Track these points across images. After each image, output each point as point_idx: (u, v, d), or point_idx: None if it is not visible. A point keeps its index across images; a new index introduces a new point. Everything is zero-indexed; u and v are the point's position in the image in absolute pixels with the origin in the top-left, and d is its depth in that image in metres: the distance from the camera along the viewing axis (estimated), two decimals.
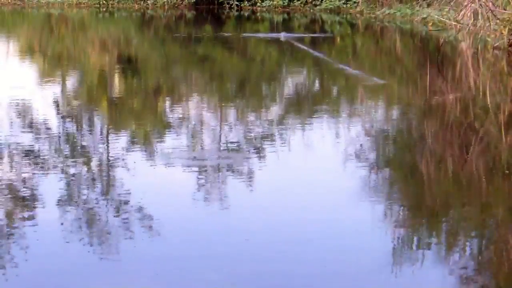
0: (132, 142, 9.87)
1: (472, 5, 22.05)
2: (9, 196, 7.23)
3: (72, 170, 8.23)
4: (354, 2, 38.07)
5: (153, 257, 5.78)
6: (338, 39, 27.14)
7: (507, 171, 8.52)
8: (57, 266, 5.62)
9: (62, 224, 6.46)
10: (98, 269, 5.57)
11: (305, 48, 22.88)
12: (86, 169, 8.32)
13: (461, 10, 23.20)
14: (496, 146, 10.04)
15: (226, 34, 27.36)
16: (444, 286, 5.41)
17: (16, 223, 6.47)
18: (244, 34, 27.05)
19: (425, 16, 29.50)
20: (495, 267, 5.81)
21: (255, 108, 13.04)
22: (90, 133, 10.45)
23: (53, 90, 14.39)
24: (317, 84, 16.84)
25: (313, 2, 39.22)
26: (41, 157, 8.78)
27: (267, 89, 15.77)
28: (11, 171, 8.17)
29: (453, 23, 23.74)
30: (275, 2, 39.47)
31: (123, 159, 8.79)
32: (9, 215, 6.66)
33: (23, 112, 11.58)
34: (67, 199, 7.19)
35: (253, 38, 25.88)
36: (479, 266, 5.83)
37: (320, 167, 8.85)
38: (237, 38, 26.13)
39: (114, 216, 6.72)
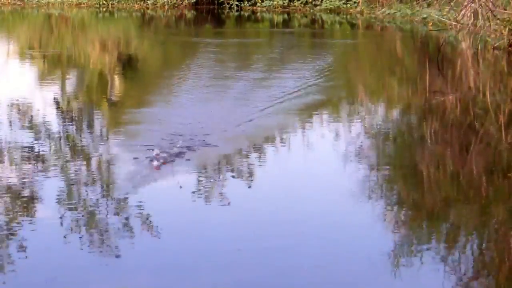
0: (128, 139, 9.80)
1: (472, 5, 22.05)
2: (5, 198, 7.22)
3: (71, 167, 8.22)
4: (354, 2, 38.08)
5: (148, 256, 5.76)
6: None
7: (507, 171, 8.51)
8: (54, 262, 5.61)
9: (60, 220, 6.45)
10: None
11: None
12: (85, 167, 8.30)
13: (461, 10, 23.21)
14: (496, 146, 10.04)
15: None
16: (447, 285, 5.41)
17: (12, 221, 6.46)
18: None
19: (425, 16, 29.52)
20: (495, 268, 5.80)
21: None
22: (90, 132, 10.43)
23: (53, 89, 14.36)
24: None
25: (313, 2, 39.24)
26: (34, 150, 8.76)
27: None
28: (7, 170, 8.16)
29: (453, 23, 23.74)
30: (275, 2, 39.48)
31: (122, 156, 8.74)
32: (4, 222, 6.66)
33: (23, 111, 11.57)
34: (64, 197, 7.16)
35: None
36: (481, 267, 5.83)
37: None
38: None
39: (107, 217, 6.69)
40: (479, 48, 20.79)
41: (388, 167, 8.92)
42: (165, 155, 8.20)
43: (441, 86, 15.59)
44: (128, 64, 18.83)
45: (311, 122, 11.51)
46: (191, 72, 15.93)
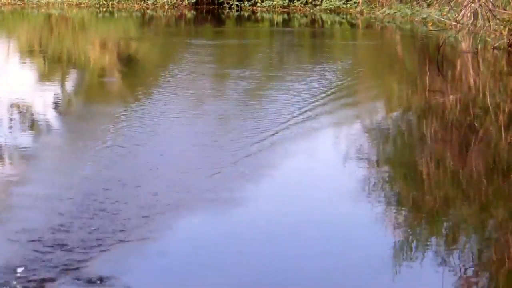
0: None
1: (472, 5, 22.05)
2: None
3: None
4: (354, 2, 38.09)
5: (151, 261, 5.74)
6: None
7: (507, 171, 8.52)
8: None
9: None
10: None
11: None
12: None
13: (461, 10, 23.21)
14: (496, 146, 10.04)
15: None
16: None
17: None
18: None
19: (425, 16, 29.53)
20: (496, 268, 5.81)
21: None
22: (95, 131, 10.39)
23: (53, 89, 14.33)
24: None
25: (313, 2, 39.25)
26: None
27: None
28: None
29: (453, 23, 23.75)
30: (275, 2, 39.49)
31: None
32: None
33: (23, 111, 11.55)
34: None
35: None
36: (483, 267, 5.84)
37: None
38: None
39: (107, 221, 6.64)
40: (479, 48, 20.78)
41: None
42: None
43: (440, 85, 15.60)
44: (107, 71, 18.61)
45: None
46: (181, 80, 14.66)
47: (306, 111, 11.20)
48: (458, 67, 18.85)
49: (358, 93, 14.85)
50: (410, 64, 20.39)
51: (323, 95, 13.16)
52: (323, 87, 14.21)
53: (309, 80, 15.09)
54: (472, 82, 16.15)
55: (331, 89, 14.08)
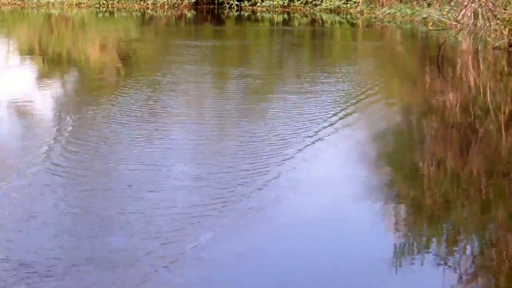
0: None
1: (472, 5, 22.05)
2: None
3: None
4: (354, 2, 38.08)
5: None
6: None
7: (507, 171, 8.50)
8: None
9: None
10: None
11: None
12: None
13: (461, 10, 23.20)
14: (496, 146, 10.02)
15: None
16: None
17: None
18: None
19: (425, 16, 29.53)
20: (496, 268, 5.79)
21: None
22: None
23: (52, 88, 14.32)
24: None
25: (313, 2, 39.25)
26: None
27: None
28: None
29: (453, 23, 23.74)
30: (275, 2, 39.48)
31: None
32: None
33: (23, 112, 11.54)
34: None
35: None
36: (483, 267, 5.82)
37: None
38: None
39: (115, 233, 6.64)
40: (479, 48, 20.76)
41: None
42: None
43: (440, 85, 15.59)
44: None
45: None
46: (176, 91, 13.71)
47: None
48: (458, 67, 18.83)
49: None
50: (412, 64, 20.39)
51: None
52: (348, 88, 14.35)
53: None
54: (472, 82, 16.13)
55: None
